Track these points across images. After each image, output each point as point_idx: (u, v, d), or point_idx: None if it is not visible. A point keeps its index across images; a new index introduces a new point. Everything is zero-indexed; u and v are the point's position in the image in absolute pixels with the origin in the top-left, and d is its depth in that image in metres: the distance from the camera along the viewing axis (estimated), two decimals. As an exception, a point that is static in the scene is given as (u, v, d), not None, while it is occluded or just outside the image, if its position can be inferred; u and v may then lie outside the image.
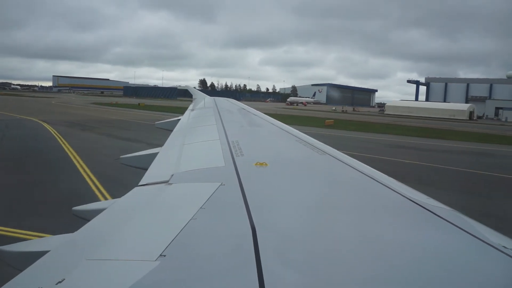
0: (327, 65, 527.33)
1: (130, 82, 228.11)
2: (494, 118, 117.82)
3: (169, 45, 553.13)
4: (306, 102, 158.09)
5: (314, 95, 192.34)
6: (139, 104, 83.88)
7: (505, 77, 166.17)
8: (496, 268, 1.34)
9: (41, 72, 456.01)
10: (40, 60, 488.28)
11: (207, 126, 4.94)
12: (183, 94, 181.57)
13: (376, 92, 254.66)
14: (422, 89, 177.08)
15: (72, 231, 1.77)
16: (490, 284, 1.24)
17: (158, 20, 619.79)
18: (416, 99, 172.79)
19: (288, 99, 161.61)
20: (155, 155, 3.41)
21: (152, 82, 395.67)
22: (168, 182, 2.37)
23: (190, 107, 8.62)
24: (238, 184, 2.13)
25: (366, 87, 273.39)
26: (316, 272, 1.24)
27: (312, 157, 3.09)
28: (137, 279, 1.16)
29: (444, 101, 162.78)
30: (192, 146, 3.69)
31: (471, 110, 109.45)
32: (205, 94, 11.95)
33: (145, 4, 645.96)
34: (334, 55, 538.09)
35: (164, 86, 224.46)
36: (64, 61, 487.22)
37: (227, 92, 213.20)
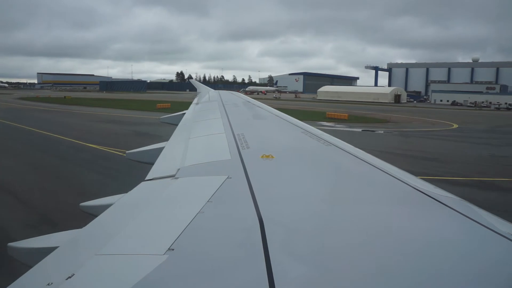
0: (326, 54, 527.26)
1: (112, 78, 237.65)
2: (431, 101, 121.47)
3: (169, 40, 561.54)
4: (266, 91, 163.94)
5: (275, 83, 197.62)
6: (65, 97, 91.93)
7: (460, 62, 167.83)
8: (506, 257, 1.34)
9: (44, 69, 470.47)
10: (42, 58, 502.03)
11: (212, 119, 4.95)
12: (160, 87, 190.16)
13: (358, 80, 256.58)
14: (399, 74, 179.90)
15: (80, 227, 1.79)
16: (500, 273, 1.24)
17: (157, 16, 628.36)
18: (376, 84, 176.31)
19: (246, 89, 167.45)
20: (161, 149, 3.43)
21: (154, 76, 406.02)
22: (174, 176, 2.38)
23: (195, 100, 8.72)
24: (245, 177, 2.13)
25: (348, 75, 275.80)
26: (324, 263, 1.24)
27: (318, 148, 3.10)
28: (146, 273, 1.16)
29: (406, 85, 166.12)
30: (198, 140, 3.70)
31: (397, 93, 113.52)
32: (209, 88, 12.22)
33: (144, 1, 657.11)
34: (333, 45, 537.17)
35: (154, 80, 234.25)
36: (65, 58, 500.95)
37: (203, 83, 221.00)
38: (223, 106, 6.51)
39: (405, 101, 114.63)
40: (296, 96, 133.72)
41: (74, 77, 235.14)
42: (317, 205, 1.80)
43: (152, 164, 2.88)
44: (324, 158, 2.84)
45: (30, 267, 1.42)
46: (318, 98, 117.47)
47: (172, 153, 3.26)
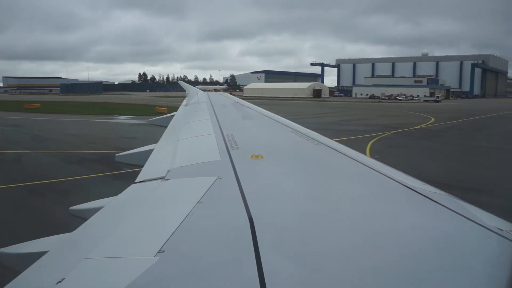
0: (305, 52, 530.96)
1: (79, 80, 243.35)
2: (353, 95, 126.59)
3: (150, 41, 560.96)
4: (215, 89, 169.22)
5: (225, 82, 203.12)
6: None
7: (403, 56, 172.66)
8: (493, 250, 1.36)
9: (26, 73, 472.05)
10: (25, 61, 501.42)
11: (201, 120, 5.01)
12: (122, 88, 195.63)
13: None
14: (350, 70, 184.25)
15: (70, 231, 1.79)
16: (488, 266, 1.25)
17: (138, 18, 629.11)
18: (322, 81, 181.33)
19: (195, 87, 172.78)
20: (150, 151, 3.44)
21: (136, 78, 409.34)
22: (164, 178, 2.38)
23: (184, 102, 8.61)
24: (235, 177, 2.13)
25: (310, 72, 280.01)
26: (315, 262, 1.25)
27: (307, 147, 3.13)
28: (137, 276, 1.16)
29: (353, 80, 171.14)
30: (187, 141, 3.71)
31: (316, 88, 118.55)
32: (198, 89, 12.20)
33: (124, 4, 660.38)
34: (312, 43, 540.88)
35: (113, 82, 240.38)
36: (48, 61, 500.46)
37: (165, 84, 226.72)
38: (212, 107, 6.52)
39: (327, 96, 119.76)
40: (230, 93, 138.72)
41: (40, 80, 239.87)
42: (307, 204, 1.82)
43: (142, 166, 2.91)
44: (313, 157, 2.90)
45: (20, 272, 1.41)
46: (244, 95, 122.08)
47: (162, 155, 3.30)
